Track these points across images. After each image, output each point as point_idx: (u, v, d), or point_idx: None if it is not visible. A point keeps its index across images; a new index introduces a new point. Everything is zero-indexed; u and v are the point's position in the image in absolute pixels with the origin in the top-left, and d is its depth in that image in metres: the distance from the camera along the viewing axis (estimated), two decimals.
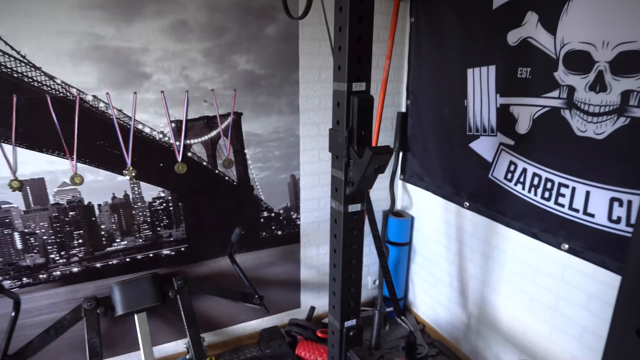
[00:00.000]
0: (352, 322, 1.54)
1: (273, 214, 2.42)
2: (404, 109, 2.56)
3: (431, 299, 2.62)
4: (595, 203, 1.55)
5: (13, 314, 1.82)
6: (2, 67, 1.68)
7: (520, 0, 1.75)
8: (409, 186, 2.65)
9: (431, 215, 2.50)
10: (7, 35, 1.66)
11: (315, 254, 2.60)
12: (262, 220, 2.39)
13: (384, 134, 2.55)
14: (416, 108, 2.46)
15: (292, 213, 2.47)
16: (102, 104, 1.88)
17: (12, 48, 1.68)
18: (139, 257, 2.16)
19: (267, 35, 2.08)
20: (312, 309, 2.54)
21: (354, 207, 1.40)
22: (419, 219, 2.62)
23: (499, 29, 1.85)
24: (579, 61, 1.55)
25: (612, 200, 1.49)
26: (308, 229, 2.53)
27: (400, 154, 2.59)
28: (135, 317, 2.03)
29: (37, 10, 1.68)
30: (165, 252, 2.21)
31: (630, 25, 1.39)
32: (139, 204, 2.09)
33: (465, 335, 2.36)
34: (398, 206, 2.76)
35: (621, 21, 1.42)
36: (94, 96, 1.85)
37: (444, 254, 2.44)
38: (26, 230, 1.93)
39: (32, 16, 1.68)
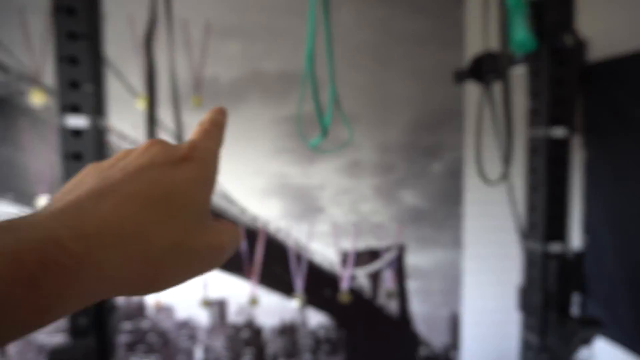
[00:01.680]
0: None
1: (432, 352, 2.28)
2: (579, 245, 2.33)
3: None
4: None
5: None
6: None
7: None
8: None
9: None
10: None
11: None
12: (420, 356, 2.27)
13: None
14: (596, 246, 2.22)
15: (452, 352, 2.30)
16: (282, 234, 2.08)
17: (218, 186, 2.01)
18: None
19: (432, 171, 2.16)
20: None
21: None
22: None
23: None
24: None
25: None
26: None
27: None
28: None
29: (241, 156, 2.01)
30: None
31: None
32: (304, 329, 2.17)
33: None
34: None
35: None
36: (276, 227, 2.07)
37: None
38: (206, 345, 2.12)
39: (237, 161, 2.01)
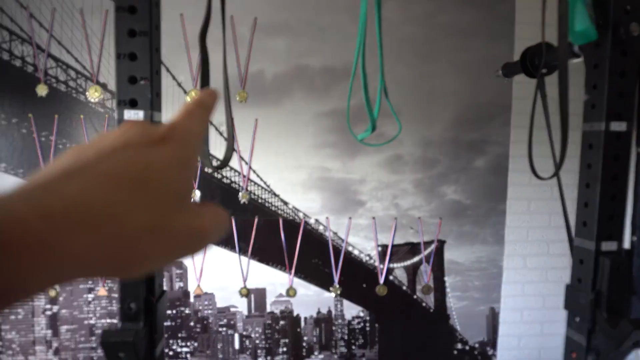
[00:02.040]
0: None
1: (467, 347, 2.27)
2: (627, 246, 2.26)
3: None
4: None
5: None
6: (252, 194, 2.05)
7: None
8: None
9: None
10: (260, 168, 2.04)
11: None
12: (455, 352, 2.26)
13: None
14: None
15: (487, 349, 2.28)
16: (321, 227, 2.11)
17: (261, 179, 2.05)
18: None
19: (476, 167, 2.13)
20: None
21: None
22: None
23: None
24: None
25: None
26: None
27: None
28: None
29: (284, 150, 2.04)
30: None
31: None
32: (340, 320, 2.20)
33: None
34: None
35: None
36: (316, 220, 2.10)
37: None
38: (244, 333, 2.18)
39: (279, 155, 2.04)
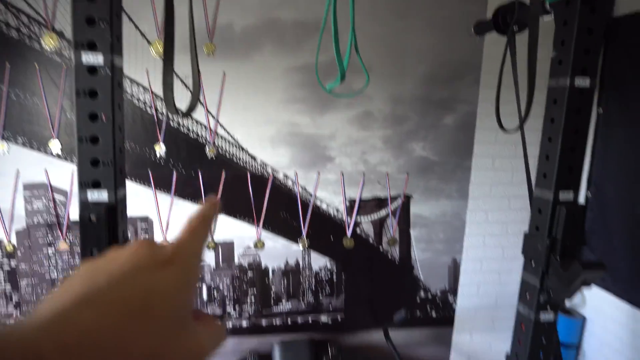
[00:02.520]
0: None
1: (430, 295, 2.39)
2: (582, 200, 2.39)
3: None
4: None
5: None
6: (220, 149, 2.01)
7: None
8: None
9: (611, 321, 2.22)
10: (227, 123, 2.00)
11: (467, 341, 2.47)
12: (418, 300, 2.38)
13: None
14: (599, 201, 2.27)
15: (449, 296, 2.41)
16: (290, 181, 2.11)
17: (228, 133, 2.01)
18: (299, 320, 2.29)
19: (444, 124, 2.16)
20: None
21: (547, 317, 1.33)
22: (592, 322, 2.35)
23: None
24: None
25: None
26: (464, 315, 2.43)
27: None
28: None
29: (252, 104, 1.99)
30: (323, 318, 2.31)
31: None
32: (307, 271, 2.25)
33: None
34: (567, 303, 2.52)
35: None
36: (285, 174, 2.10)
37: None
38: (212, 285, 2.20)
39: (247, 109, 2.00)
